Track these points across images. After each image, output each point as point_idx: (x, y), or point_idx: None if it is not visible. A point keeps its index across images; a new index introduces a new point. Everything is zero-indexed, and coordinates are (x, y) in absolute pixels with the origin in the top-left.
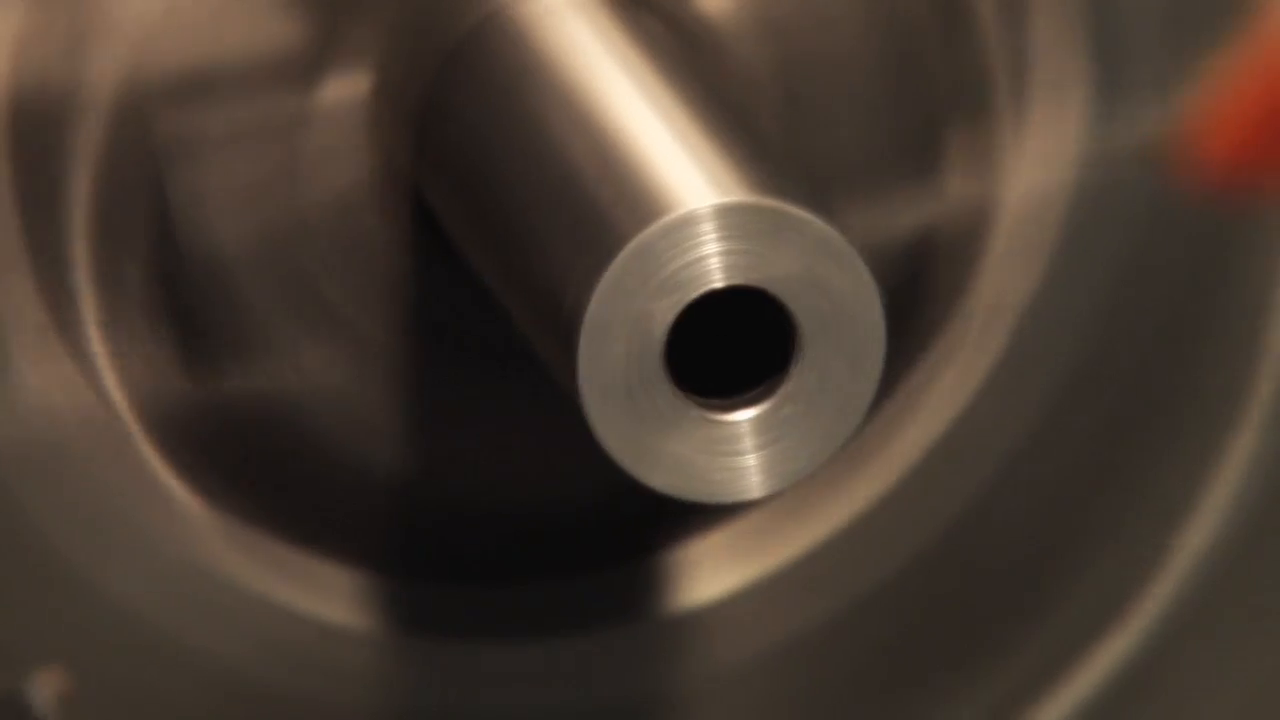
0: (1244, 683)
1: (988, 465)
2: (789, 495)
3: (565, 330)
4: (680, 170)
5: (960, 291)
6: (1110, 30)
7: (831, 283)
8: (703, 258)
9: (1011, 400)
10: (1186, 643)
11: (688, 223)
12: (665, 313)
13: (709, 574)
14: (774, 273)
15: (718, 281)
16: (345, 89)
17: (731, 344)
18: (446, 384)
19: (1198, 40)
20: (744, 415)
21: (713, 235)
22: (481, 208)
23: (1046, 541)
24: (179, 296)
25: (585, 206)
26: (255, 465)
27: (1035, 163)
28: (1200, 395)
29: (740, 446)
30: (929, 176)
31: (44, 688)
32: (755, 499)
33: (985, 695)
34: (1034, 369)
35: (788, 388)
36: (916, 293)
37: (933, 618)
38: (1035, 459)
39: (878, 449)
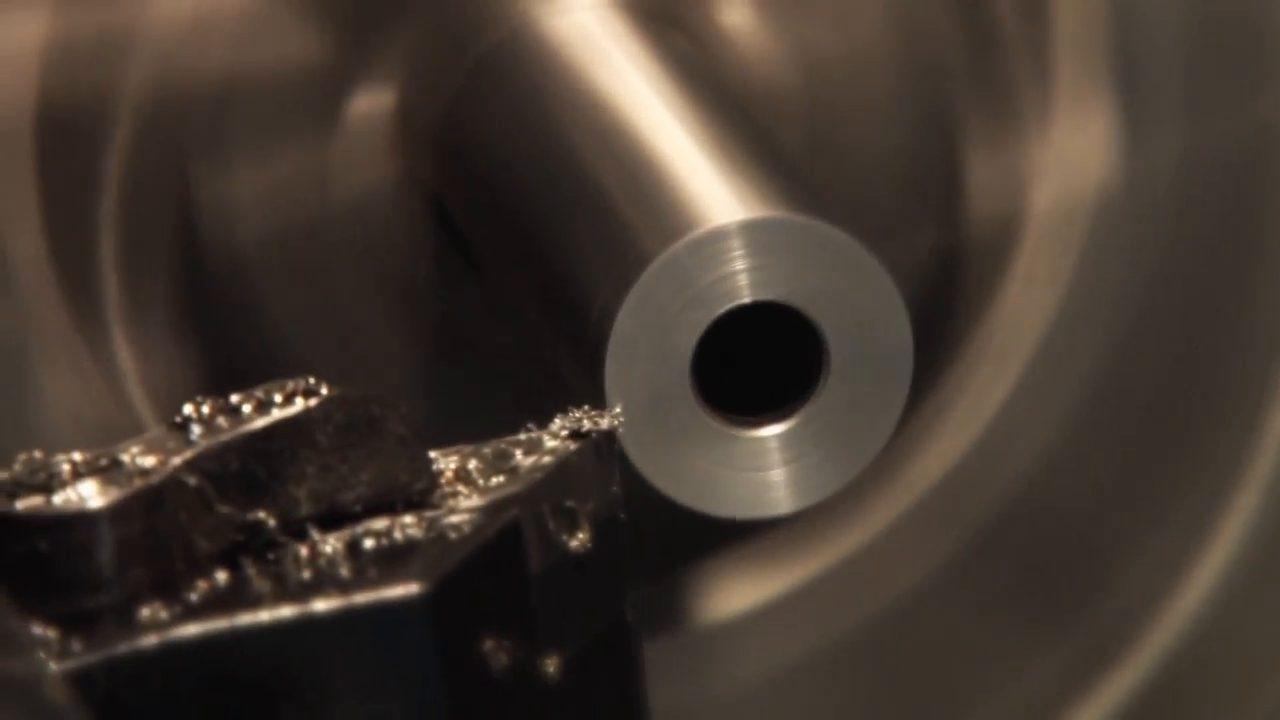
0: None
1: (1014, 477)
2: (817, 510)
3: (591, 345)
4: (707, 185)
5: (985, 306)
6: (1133, 60)
7: (859, 298)
8: (730, 273)
9: (1036, 412)
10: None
11: (715, 238)
12: (693, 328)
13: (735, 589)
14: (801, 288)
15: (745, 297)
16: (370, 102)
17: (760, 360)
18: (467, 396)
19: (1221, 68)
20: (771, 431)
21: (740, 251)
22: (505, 221)
23: (1072, 550)
24: (203, 306)
25: (611, 221)
26: None
27: (1058, 186)
28: (1224, 408)
29: (767, 462)
30: (954, 194)
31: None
32: (782, 515)
33: (1011, 703)
34: (1058, 380)
35: (815, 403)
36: (942, 308)
37: (960, 628)
38: (1061, 469)
39: (905, 463)
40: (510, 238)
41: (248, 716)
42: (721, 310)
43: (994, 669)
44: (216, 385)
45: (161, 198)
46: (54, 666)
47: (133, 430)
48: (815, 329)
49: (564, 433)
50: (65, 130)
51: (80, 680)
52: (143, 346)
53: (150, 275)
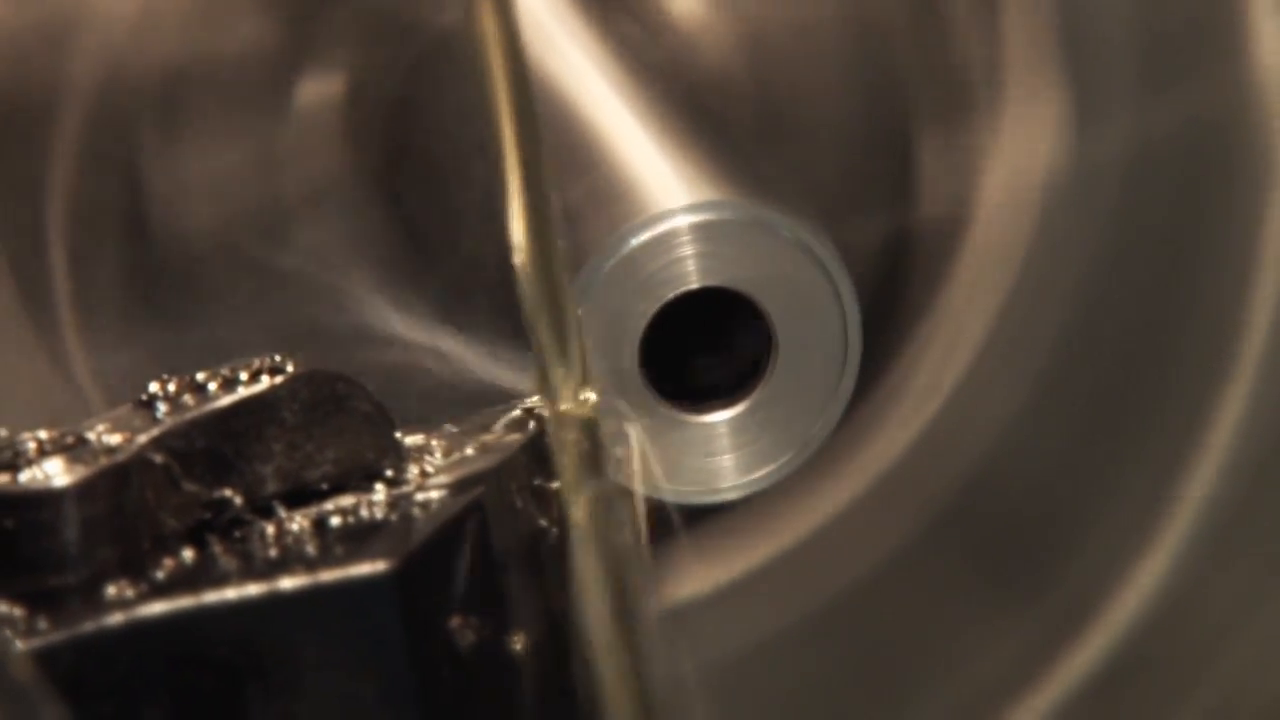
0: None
1: (968, 460)
2: (768, 495)
3: None
4: (655, 172)
5: (936, 289)
6: (1082, 44)
7: (807, 285)
8: (679, 259)
9: (990, 393)
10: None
11: (663, 224)
12: (641, 314)
13: (685, 575)
14: (750, 274)
15: (693, 283)
16: (319, 88)
17: (708, 346)
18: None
19: (1169, 51)
20: (719, 417)
21: (689, 237)
22: (454, 207)
23: (1032, 525)
24: (153, 294)
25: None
26: None
27: (1008, 168)
28: (1178, 382)
29: (716, 447)
30: (904, 178)
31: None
32: (731, 500)
33: (976, 679)
34: (1011, 362)
35: (764, 389)
36: (893, 291)
37: (921, 606)
38: (1016, 449)
39: (860, 446)
40: (459, 224)
41: (215, 695)
42: (670, 296)
43: (957, 645)
44: (165, 372)
45: (110, 186)
46: (20, 645)
47: (81, 417)
48: (764, 315)
49: (534, 411)
50: (13, 119)
51: (46, 659)
52: (92, 333)
53: (99, 263)
